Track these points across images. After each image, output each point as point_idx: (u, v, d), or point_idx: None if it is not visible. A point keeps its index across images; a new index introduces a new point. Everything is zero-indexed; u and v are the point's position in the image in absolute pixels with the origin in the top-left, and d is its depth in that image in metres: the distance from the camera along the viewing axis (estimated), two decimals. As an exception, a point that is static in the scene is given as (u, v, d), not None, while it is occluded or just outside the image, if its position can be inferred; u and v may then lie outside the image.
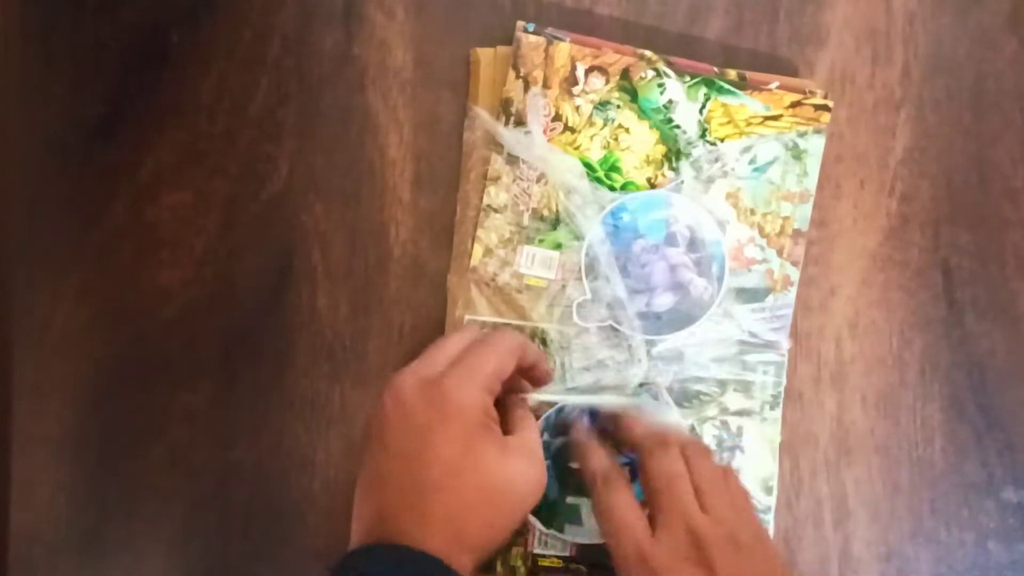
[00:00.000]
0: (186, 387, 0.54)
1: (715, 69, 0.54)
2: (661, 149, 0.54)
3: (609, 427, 0.52)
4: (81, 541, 0.53)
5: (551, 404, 0.52)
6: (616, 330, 0.53)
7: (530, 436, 0.46)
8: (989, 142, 0.58)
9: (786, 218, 0.55)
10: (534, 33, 0.53)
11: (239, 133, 0.54)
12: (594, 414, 0.52)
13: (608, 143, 0.54)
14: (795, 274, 0.55)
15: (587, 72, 0.53)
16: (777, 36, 0.57)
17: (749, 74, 0.55)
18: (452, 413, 0.43)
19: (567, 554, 0.54)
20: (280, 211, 0.54)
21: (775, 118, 0.55)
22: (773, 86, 0.54)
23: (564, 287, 0.53)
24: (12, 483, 0.53)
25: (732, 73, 0.54)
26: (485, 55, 0.54)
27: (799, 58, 0.57)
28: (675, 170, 0.54)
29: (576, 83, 0.53)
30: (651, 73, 0.53)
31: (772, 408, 0.55)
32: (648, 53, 0.54)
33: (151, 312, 0.53)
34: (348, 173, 0.55)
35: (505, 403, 0.47)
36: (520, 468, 0.44)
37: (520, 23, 0.53)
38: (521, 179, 0.53)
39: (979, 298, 0.57)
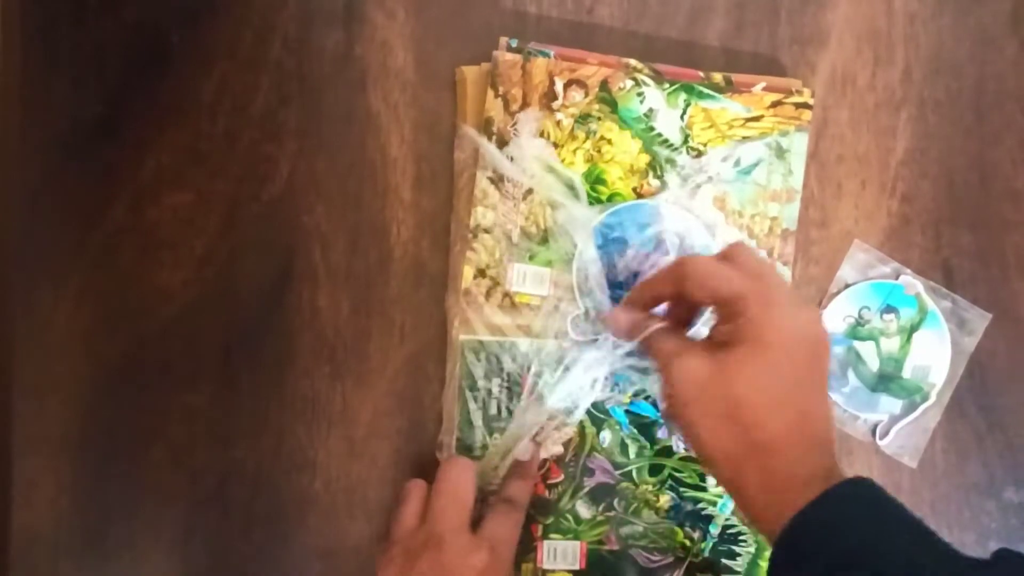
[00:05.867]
0: (187, 387, 0.54)
1: (700, 74, 0.54)
2: (645, 158, 0.54)
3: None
4: (82, 541, 0.53)
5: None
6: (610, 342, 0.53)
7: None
8: (990, 143, 0.58)
9: (774, 218, 0.55)
10: (515, 50, 0.53)
11: (240, 133, 0.54)
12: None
13: (592, 156, 0.54)
14: (787, 273, 0.55)
15: (565, 86, 0.53)
16: (778, 37, 0.57)
17: (735, 76, 0.55)
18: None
19: (577, 567, 0.54)
20: (281, 211, 0.54)
21: (756, 119, 0.54)
22: (759, 87, 0.54)
23: (557, 304, 0.53)
24: (13, 483, 0.52)
25: (718, 76, 0.54)
26: (471, 73, 0.54)
27: (800, 59, 0.57)
28: (660, 178, 0.54)
29: (555, 98, 0.53)
30: (630, 83, 0.53)
31: (772, 409, 0.55)
32: (633, 62, 0.54)
33: (152, 312, 0.53)
34: (349, 173, 0.55)
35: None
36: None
37: (503, 39, 0.53)
38: (508, 197, 0.53)
39: (979, 298, 0.57)
